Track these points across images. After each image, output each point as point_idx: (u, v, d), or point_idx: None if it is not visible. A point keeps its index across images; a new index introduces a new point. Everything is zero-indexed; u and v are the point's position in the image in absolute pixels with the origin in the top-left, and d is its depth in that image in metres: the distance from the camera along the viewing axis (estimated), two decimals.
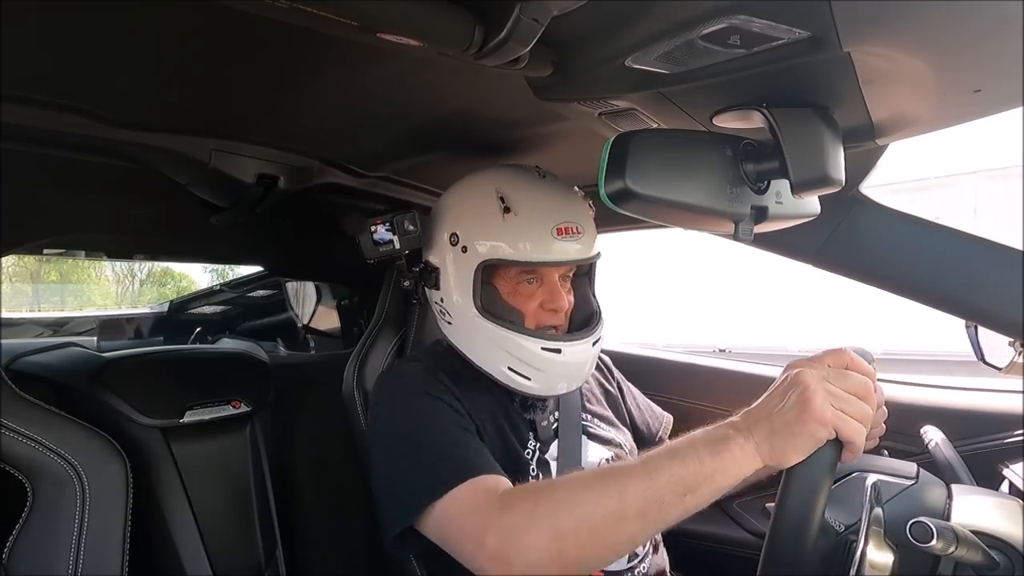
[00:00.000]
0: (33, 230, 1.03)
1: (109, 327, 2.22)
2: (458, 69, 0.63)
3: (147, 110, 0.78)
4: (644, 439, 1.06)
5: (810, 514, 0.56)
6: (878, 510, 0.56)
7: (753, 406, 0.61)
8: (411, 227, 0.90)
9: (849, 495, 0.63)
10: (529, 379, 0.84)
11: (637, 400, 1.11)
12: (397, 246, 0.91)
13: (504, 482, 0.71)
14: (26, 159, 0.81)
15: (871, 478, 0.59)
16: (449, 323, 0.91)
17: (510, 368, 0.84)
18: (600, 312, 0.94)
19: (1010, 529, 0.60)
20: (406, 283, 0.95)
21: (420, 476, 0.74)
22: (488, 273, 0.85)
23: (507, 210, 0.82)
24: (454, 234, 0.86)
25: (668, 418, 1.11)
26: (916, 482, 0.65)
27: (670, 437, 1.09)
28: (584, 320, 0.92)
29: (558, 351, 0.83)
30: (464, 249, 0.85)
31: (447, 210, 0.90)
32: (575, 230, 0.84)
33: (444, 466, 0.72)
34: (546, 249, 0.82)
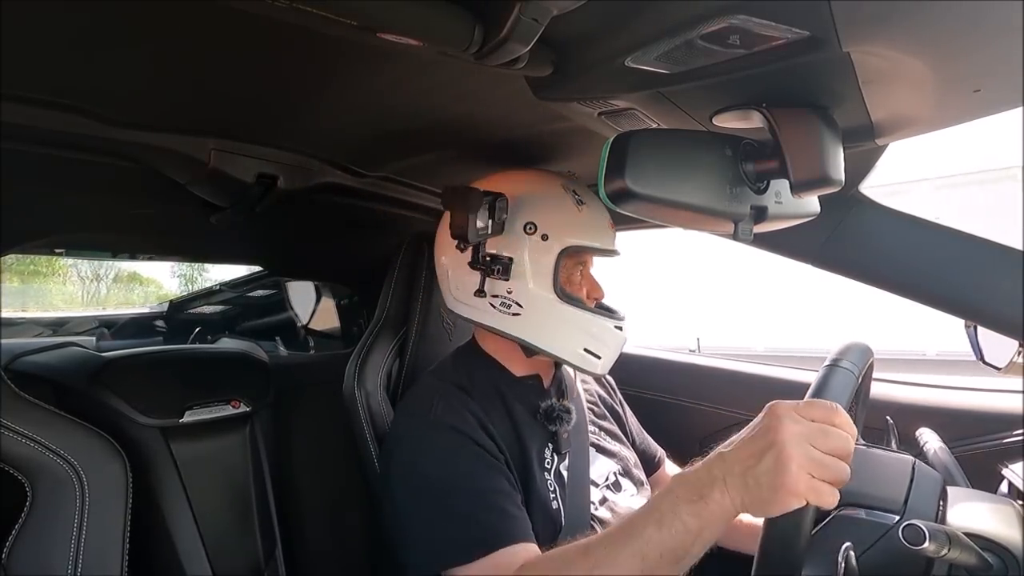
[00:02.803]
0: (33, 230, 1.03)
1: (107, 326, 2.22)
2: (458, 68, 0.63)
3: (147, 110, 0.78)
4: (645, 461, 1.07)
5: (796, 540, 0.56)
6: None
7: (729, 448, 0.58)
8: (503, 214, 0.87)
9: (827, 545, 0.61)
10: (600, 357, 0.89)
11: (635, 425, 1.12)
12: (489, 231, 0.85)
13: (526, 551, 0.73)
14: (26, 159, 0.81)
15: (844, 546, 0.58)
16: (516, 315, 0.88)
17: (586, 349, 0.88)
18: None
19: (1004, 531, 0.60)
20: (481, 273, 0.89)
21: (447, 534, 0.76)
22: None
23: (580, 202, 0.89)
24: (530, 223, 0.88)
25: (662, 455, 1.13)
26: (901, 517, 0.64)
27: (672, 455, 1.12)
28: (607, 307, 0.96)
29: (621, 328, 0.91)
30: (544, 237, 0.87)
31: (519, 202, 0.89)
32: (615, 225, 0.93)
33: (471, 530, 0.74)
34: (609, 238, 0.92)
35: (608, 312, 0.92)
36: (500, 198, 0.86)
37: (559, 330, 0.88)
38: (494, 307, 0.89)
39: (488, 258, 0.88)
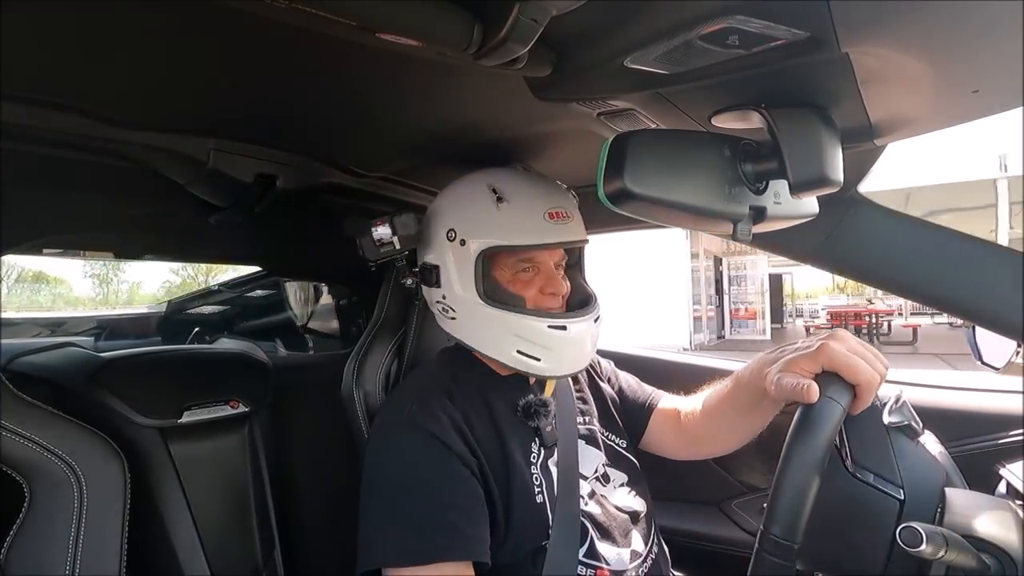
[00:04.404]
0: (33, 230, 1.02)
1: (106, 326, 2.22)
2: (457, 69, 0.63)
3: (147, 110, 0.78)
4: (633, 413, 1.06)
5: (800, 512, 0.57)
6: None
7: None
8: (410, 226, 0.92)
9: None
10: (539, 359, 0.86)
11: (628, 383, 1.11)
12: (397, 246, 0.92)
13: (463, 570, 0.74)
14: (26, 159, 0.81)
15: None
16: (453, 319, 0.91)
17: (519, 351, 0.86)
18: (595, 295, 0.96)
19: (1002, 533, 0.60)
20: (408, 282, 0.97)
21: (390, 535, 0.76)
22: (487, 264, 0.87)
23: (500, 200, 0.86)
24: (451, 230, 0.89)
25: (656, 395, 1.09)
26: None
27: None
28: (581, 302, 0.94)
29: (564, 327, 0.85)
30: (463, 242, 0.87)
31: (442, 209, 0.93)
32: (564, 214, 0.88)
33: (414, 537, 0.75)
34: (540, 233, 0.86)
35: (551, 312, 0.88)
36: (401, 214, 0.91)
37: (489, 333, 0.88)
38: (440, 312, 0.94)
39: (421, 267, 0.94)
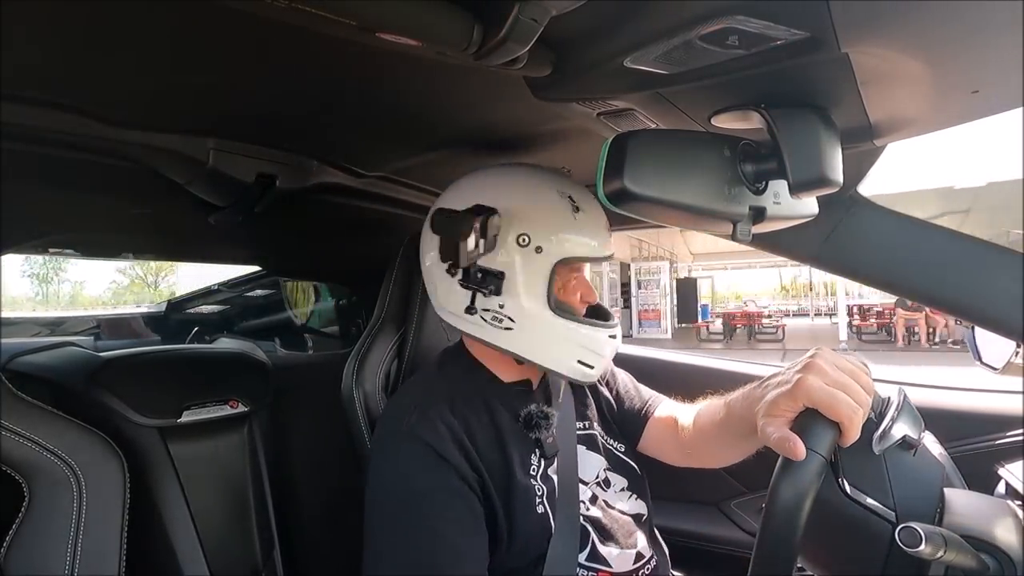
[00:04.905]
0: (33, 230, 1.03)
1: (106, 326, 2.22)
2: (457, 68, 0.63)
3: (147, 110, 0.78)
4: (629, 420, 1.05)
5: (797, 518, 0.56)
6: None
7: None
8: (495, 231, 0.82)
9: None
10: (593, 367, 0.87)
11: (626, 387, 1.09)
12: (481, 251, 0.81)
13: None
14: (26, 159, 0.81)
15: None
16: (508, 329, 0.85)
17: (580, 361, 0.86)
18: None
19: (1001, 533, 0.60)
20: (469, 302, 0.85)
21: (387, 548, 0.75)
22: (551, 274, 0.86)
23: (577, 209, 0.85)
24: (523, 235, 0.83)
25: (654, 402, 1.06)
26: None
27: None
28: (598, 308, 0.95)
29: (614, 336, 0.89)
30: (539, 249, 0.83)
31: (510, 212, 0.84)
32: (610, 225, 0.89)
33: (409, 552, 0.74)
34: (605, 243, 0.87)
35: (601, 320, 0.89)
36: (492, 215, 0.81)
37: (553, 344, 0.86)
38: (485, 321, 0.86)
39: (479, 275, 0.84)
